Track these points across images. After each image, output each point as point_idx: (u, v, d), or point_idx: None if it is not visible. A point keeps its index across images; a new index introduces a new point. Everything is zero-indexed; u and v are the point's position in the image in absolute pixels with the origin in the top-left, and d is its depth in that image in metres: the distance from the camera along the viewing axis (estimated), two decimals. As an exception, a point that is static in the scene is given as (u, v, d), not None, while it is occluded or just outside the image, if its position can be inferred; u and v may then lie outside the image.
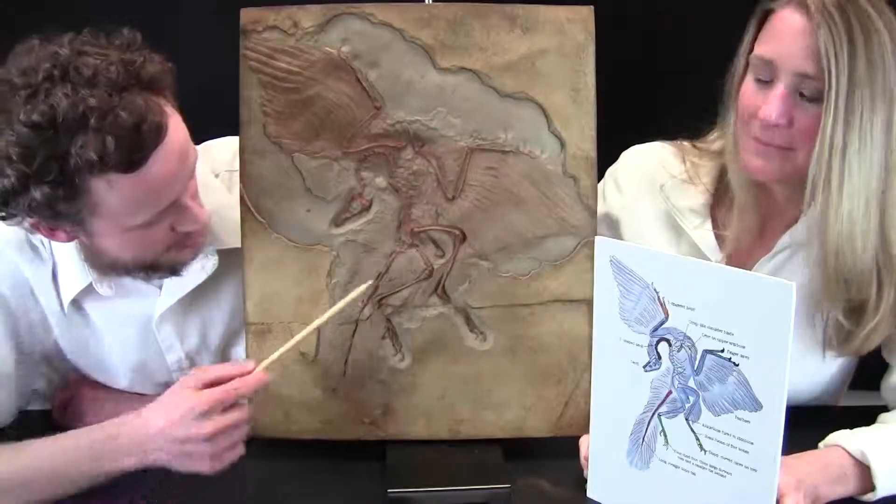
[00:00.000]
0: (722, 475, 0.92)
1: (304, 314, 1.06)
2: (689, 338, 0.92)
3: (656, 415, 0.96)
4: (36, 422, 1.17)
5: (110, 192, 0.97)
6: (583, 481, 1.04)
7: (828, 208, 1.04)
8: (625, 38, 1.49)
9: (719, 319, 0.89)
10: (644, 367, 0.96)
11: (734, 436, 0.90)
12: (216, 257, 1.14)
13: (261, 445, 1.00)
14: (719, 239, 1.19)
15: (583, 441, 1.06)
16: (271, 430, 1.11)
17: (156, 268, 1.09)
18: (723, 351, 0.89)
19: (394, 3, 1.07)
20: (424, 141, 1.09)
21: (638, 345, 0.96)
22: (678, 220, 1.22)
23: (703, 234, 1.20)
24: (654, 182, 1.25)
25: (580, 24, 1.08)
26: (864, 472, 1.01)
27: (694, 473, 0.95)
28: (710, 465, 0.93)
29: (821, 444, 1.05)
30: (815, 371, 1.20)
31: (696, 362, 0.92)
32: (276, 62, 1.07)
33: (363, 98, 1.08)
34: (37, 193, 0.95)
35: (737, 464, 0.91)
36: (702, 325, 0.90)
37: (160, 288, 1.16)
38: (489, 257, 1.11)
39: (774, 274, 1.14)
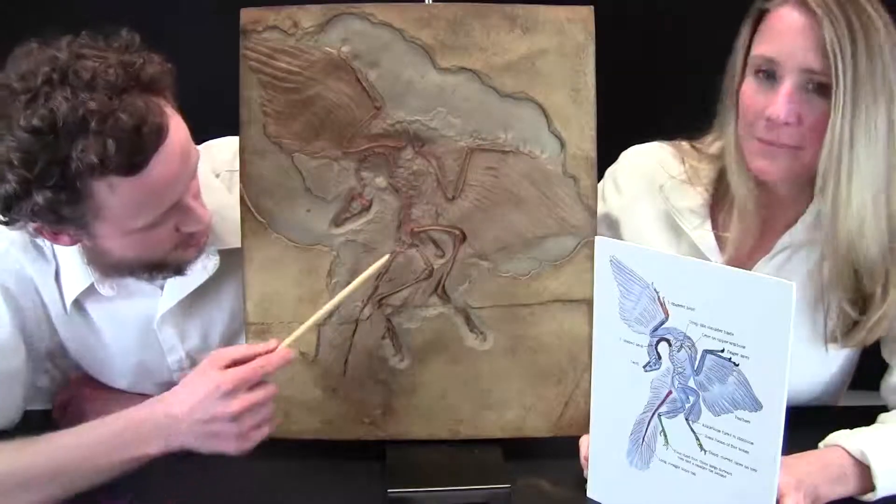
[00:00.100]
0: (722, 475, 0.92)
1: (304, 314, 1.06)
2: (689, 338, 0.92)
3: (656, 415, 0.96)
4: (36, 422, 1.17)
5: (112, 196, 0.97)
6: (583, 481, 1.04)
7: (838, 202, 1.05)
8: (625, 38, 1.49)
9: (719, 319, 0.89)
10: (644, 367, 0.96)
11: (734, 436, 0.90)
12: (217, 257, 1.14)
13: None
14: (719, 240, 1.19)
15: (583, 441, 1.06)
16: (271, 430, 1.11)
17: (160, 268, 1.09)
18: (723, 351, 0.89)
19: (394, 3, 1.07)
20: (424, 141, 1.09)
21: (638, 345, 0.96)
22: (678, 220, 1.22)
23: (703, 234, 1.20)
24: (653, 182, 1.25)
25: (580, 24, 1.08)
26: (864, 472, 1.01)
27: (694, 473, 0.95)
28: (710, 465, 0.93)
29: (821, 444, 1.05)
30: (816, 370, 1.20)
31: (696, 362, 0.92)
32: (276, 62, 1.07)
33: (363, 98, 1.08)
34: (39, 198, 0.95)
35: (737, 464, 0.91)
36: (702, 325, 0.90)
37: (162, 288, 1.16)
38: (489, 257, 1.11)
39: (774, 274, 1.14)
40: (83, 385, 1.24)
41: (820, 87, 1.05)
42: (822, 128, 1.04)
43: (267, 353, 0.99)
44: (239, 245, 1.11)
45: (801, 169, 1.09)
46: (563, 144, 1.09)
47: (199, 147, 1.07)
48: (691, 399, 0.93)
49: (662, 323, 0.93)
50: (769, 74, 1.07)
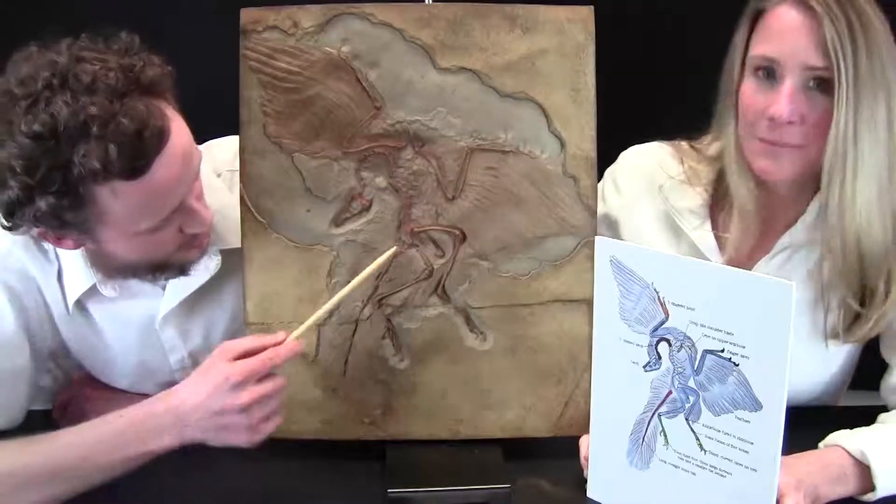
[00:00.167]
0: (722, 475, 0.92)
1: (304, 314, 1.06)
2: (689, 338, 0.92)
3: (656, 415, 0.96)
4: (37, 422, 1.17)
5: (115, 200, 0.97)
6: (583, 481, 1.04)
7: (845, 197, 1.06)
8: (625, 38, 1.49)
9: (719, 319, 0.89)
10: (644, 367, 0.96)
11: (734, 436, 0.90)
12: (219, 257, 1.14)
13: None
14: (719, 240, 1.19)
15: (583, 441, 1.06)
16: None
17: (164, 269, 1.09)
18: (723, 351, 0.89)
19: (394, 3, 1.07)
20: (424, 141, 1.09)
21: (638, 345, 0.96)
22: (677, 220, 1.22)
23: (703, 234, 1.20)
24: (652, 182, 1.25)
25: (580, 24, 1.08)
26: (864, 472, 1.01)
27: (694, 473, 0.95)
28: (710, 465, 0.93)
29: (821, 444, 1.05)
30: (817, 368, 1.20)
31: (696, 362, 0.92)
32: (276, 62, 1.07)
33: (363, 98, 1.08)
34: (42, 204, 0.95)
35: (737, 464, 0.91)
36: (702, 325, 0.90)
37: (163, 289, 1.16)
38: (489, 257, 1.11)
39: (774, 274, 1.14)
40: (84, 385, 1.24)
41: (820, 85, 1.05)
42: (825, 125, 1.05)
43: (275, 345, 0.99)
44: (240, 245, 1.11)
45: (804, 167, 1.09)
46: (563, 144, 1.09)
47: (200, 147, 1.07)
48: (691, 399, 0.93)
49: (662, 323, 0.93)
50: (769, 74, 1.08)
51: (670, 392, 0.95)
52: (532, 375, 1.12)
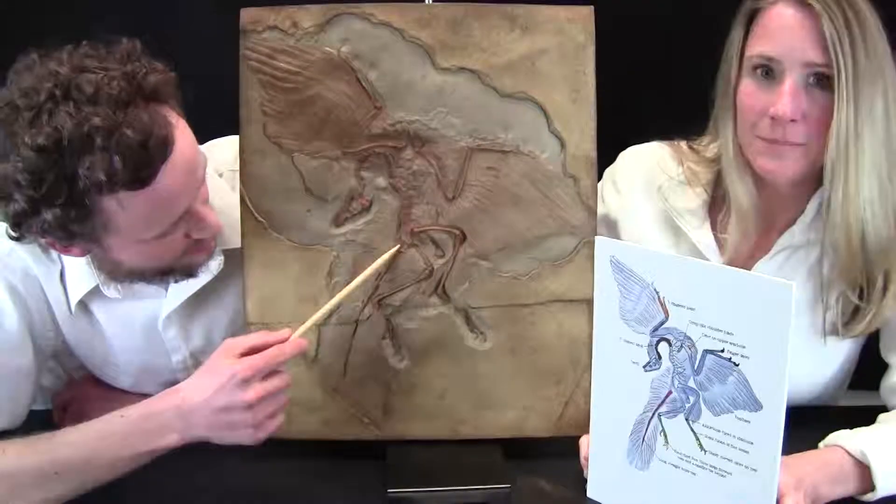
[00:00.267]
0: (722, 475, 0.92)
1: (304, 314, 1.06)
2: (689, 338, 0.92)
3: (656, 415, 0.96)
4: (38, 422, 1.17)
5: (121, 210, 0.97)
6: (583, 481, 1.04)
7: (849, 191, 1.06)
8: (625, 38, 1.49)
9: (719, 319, 0.89)
10: (644, 367, 0.96)
11: (734, 436, 0.90)
12: (222, 257, 1.14)
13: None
14: (718, 241, 1.19)
15: (583, 441, 1.06)
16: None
17: (171, 272, 1.09)
18: (723, 351, 0.89)
19: (394, 3, 1.07)
20: (424, 141, 1.09)
21: (638, 345, 0.96)
22: (677, 220, 1.22)
23: (703, 235, 1.20)
24: (652, 183, 1.25)
25: (580, 24, 1.08)
26: (864, 472, 1.01)
27: (694, 473, 0.95)
28: (710, 465, 0.93)
29: (821, 444, 1.05)
30: (816, 366, 1.20)
31: (696, 362, 0.92)
32: (276, 62, 1.07)
33: (363, 98, 1.08)
34: (48, 216, 0.95)
35: (737, 464, 0.91)
36: (702, 325, 0.90)
37: (166, 289, 1.16)
38: (489, 257, 1.11)
39: (774, 274, 1.14)
40: (84, 385, 1.24)
41: (820, 82, 1.06)
42: (826, 121, 1.05)
43: (280, 342, 0.99)
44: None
45: (806, 165, 1.09)
46: (563, 144, 1.09)
47: (201, 147, 1.07)
48: (691, 399, 0.93)
49: (662, 323, 0.93)
50: (768, 73, 1.08)
51: (670, 392, 0.95)
52: (532, 375, 1.12)
